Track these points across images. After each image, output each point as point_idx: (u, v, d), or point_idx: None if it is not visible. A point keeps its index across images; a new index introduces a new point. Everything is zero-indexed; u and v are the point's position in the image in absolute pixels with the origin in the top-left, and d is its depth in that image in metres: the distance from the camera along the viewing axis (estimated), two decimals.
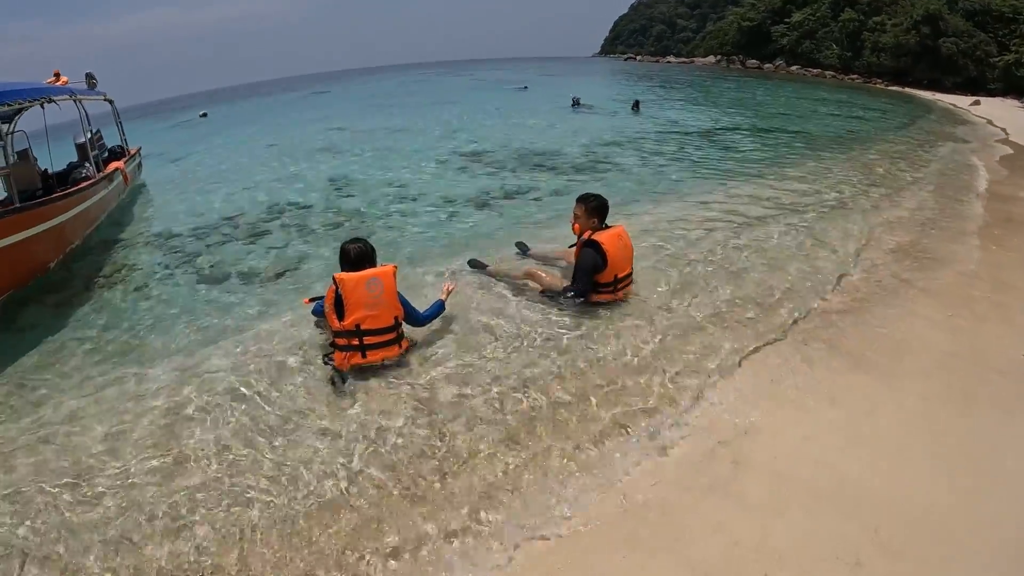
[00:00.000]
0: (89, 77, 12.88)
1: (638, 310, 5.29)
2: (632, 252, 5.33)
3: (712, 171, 11.01)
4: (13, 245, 6.68)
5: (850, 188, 9.38)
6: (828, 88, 31.77)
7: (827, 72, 42.94)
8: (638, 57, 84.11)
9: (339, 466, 3.58)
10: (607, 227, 5.24)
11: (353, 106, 31.91)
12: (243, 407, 4.26)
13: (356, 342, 4.34)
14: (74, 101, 10.58)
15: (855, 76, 40.43)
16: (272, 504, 3.34)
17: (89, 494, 3.52)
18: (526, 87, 31.79)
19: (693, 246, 6.84)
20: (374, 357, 4.42)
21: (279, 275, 7.18)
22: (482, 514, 3.18)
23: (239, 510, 3.31)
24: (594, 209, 5.24)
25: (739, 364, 4.40)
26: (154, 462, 3.75)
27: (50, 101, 9.82)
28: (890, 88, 35.00)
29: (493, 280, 6.11)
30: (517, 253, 6.83)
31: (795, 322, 5.02)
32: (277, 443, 3.84)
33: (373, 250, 4.65)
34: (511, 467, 3.49)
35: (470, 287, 6.01)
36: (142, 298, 6.98)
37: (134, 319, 6.37)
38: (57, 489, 3.57)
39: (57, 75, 11.31)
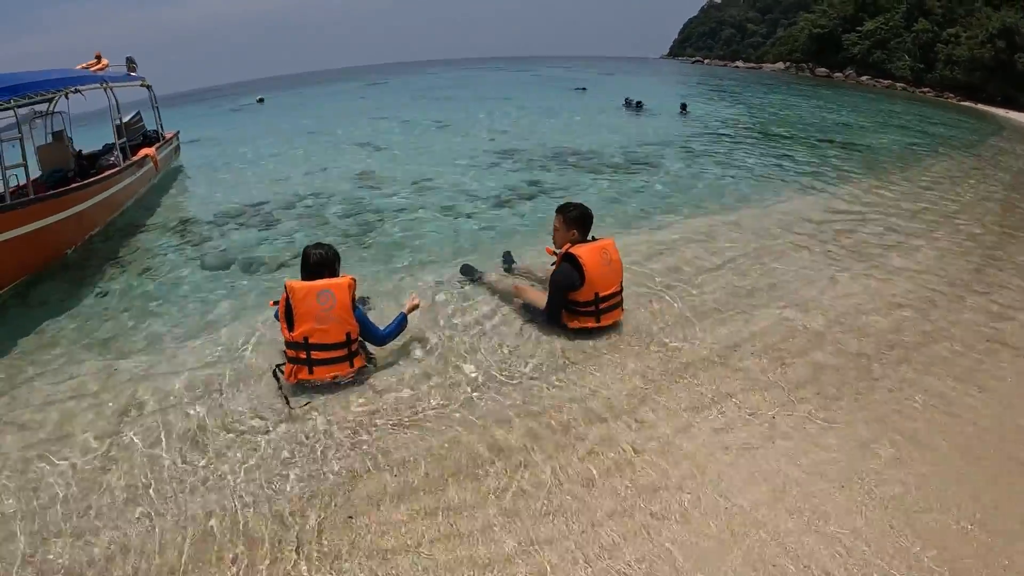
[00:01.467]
0: (129, 61, 13.12)
1: (622, 343, 4.70)
2: (620, 268, 4.73)
3: (755, 181, 10.23)
4: (27, 235, 6.80)
5: (899, 210, 8.43)
6: (897, 100, 29.83)
7: (898, 84, 40.77)
8: (706, 60, 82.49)
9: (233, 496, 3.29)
10: (592, 240, 4.75)
11: (404, 99, 31.91)
12: (188, 411, 4.13)
13: (304, 355, 4.06)
14: (104, 89, 10.65)
15: (926, 89, 38.25)
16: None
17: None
18: (584, 88, 30.99)
19: (710, 267, 6.22)
20: (321, 373, 4.11)
21: (280, 266, 7.08)
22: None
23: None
24: (573, 220, 4.72)
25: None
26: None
27: (75, 91, 9.99)
28: (962, 104, 32.88)
29: (480, 291, 5.77)
30: (503, 266, 6.30)
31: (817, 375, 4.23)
32: (195, 454, 3.66)
33: (335, 257, 4.36)
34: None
35: (454, 300, 5.66)
36: (145, 285, 7.00)
37: (130, 306, 6.38)
38: None
39: (98, 57, 11.51)
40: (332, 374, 4.14)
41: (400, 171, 12.01)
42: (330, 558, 2.83)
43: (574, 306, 4.66)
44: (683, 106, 19.61)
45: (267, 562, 2.83)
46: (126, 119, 12.60)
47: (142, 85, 13.46)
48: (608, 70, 53.65)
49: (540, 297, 4.96)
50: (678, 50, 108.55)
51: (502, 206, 8.90)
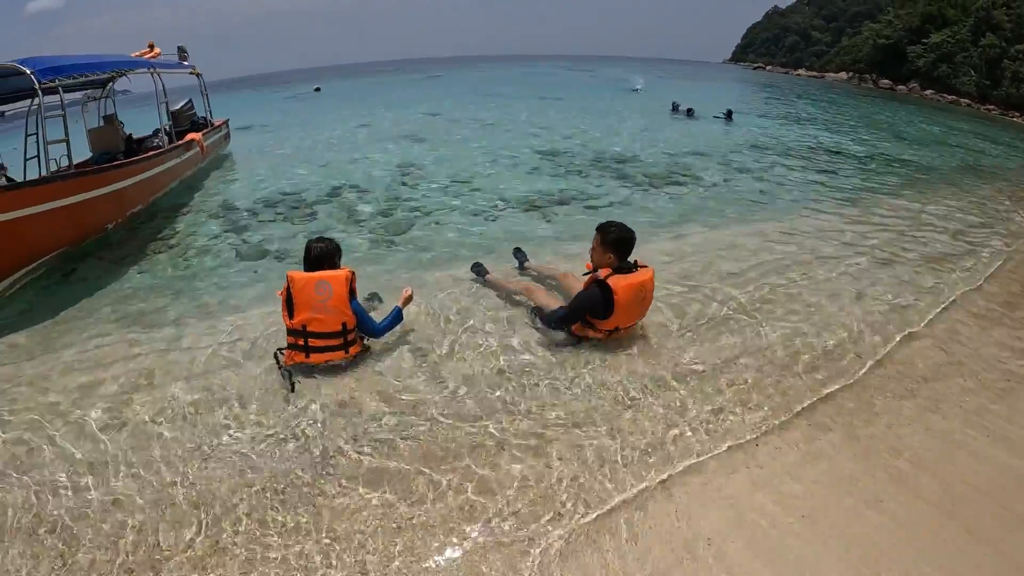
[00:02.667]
0: (180, 51, 13.60)
1: (618, 349, 4.59)
2: (650, 302, 4.57)
3: (792, 193, 9.91)
4: (64, 208, 7.13)
5: (938, 231, 7.94)
6: (960, 117, 28.33)
7: (962, 100, 38.98)
8: (767, 67, 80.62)
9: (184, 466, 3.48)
10: (633, 267, 4.43)
11: (457, 93, 32.21)
12: (194, 391, 4.31)
13: (301, 342, 4.28)
14: (151, 74, 11.08)
15: (991, 107, 36.40)
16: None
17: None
18: (638, 89, 30.61)
19: (728, 277, 6.07)
20: (317, 359, 4.33)
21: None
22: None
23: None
24: (612, 243, 4.38)
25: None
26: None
27: (121, 75, 10.43)
28: None
29: (487, 290, 5.78)
30: (515, 267, 6.28)
31: (814, 403, 4.02)
32: (196, 432, 3.81)
33: (336, 251, 4.52)
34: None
35: (460, 298, 5.69)
36: (178, 266, 7.38)
37: (161, 286, 6.73)
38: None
39: (151, 46, 11.97)
40: (327, 359, 4.34)
41: (438, 167, 12.16)
42: (293, 532, 2.97)
43: (588, 324, 4.53)
44: (728, 113, 19.22)
45: (231, 532, 2.98)
46: (177, 106, 13.14)
47: (192, 73, 13.93)
48: (667, 73, 52.94)
49: (549, 300, 4.89)
50: (740, 55, 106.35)
51: (532, 209, 8.88)
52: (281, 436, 3.70)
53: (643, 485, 3.19)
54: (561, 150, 13.63)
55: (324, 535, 2.95)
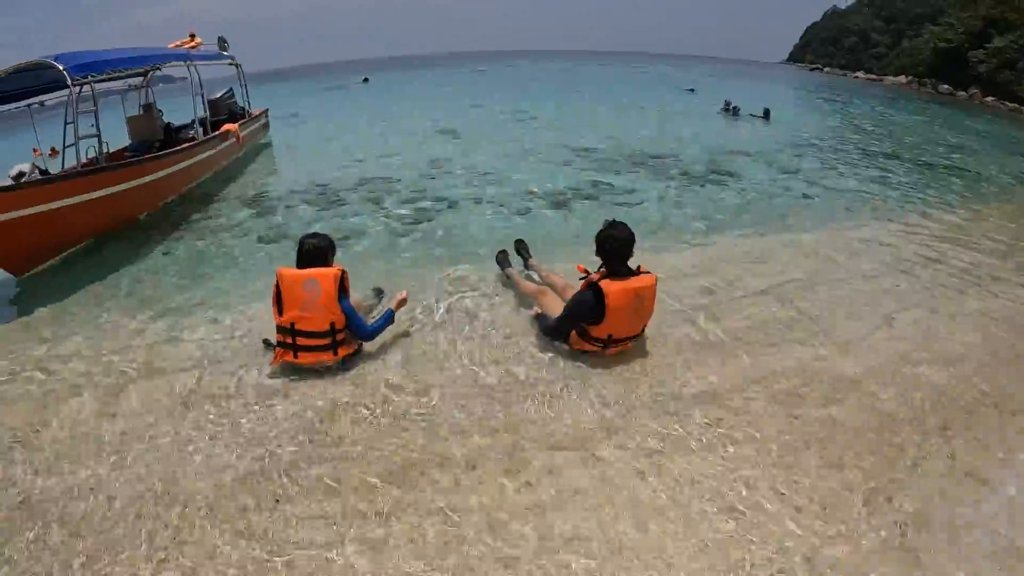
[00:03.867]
0: (221, 41, 13.81)
1: (621, 365, 4.28)
2: (650, 311, 4.22)
3: (836, 200, 9.25)
4: (98, 199, 7.41)
5: (989, 248, 7.10)
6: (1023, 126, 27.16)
7: None
8: (825, 69, 78.23)
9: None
10: (633, 272, 4.11)
11: (503, 87, 32.16)
12: (186, 376, 4.37)
13: (290, 340, 4.15)
14: (187, 66, 11.34)
15: None
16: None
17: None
18: (693, 89, 29.73)
19: (753, 290, 5.64)
20: (305, 359, 4.18)
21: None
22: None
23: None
24: (605, 246, 4.08)
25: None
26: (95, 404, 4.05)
27: (157, 69, 10.72)
28: None
29: (498, 291, 5.63)
30: (519, 265, 5.94)
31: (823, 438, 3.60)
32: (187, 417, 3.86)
33: (328, 248, 4.39)
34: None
35: (466, 300, 5.52)
36: (200, 253, 7.51)
37: (180, 272, 6.87)
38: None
39: (192, 36, 12.16)
40: (315, 360, 4.19)
41: (471, 161, 12.03)
42: (244, 536, 2.87)
43: (583, 333, 4.26)
44: (766, 112, 18.62)
45: (184, 532, 2.92)
46: (217, 94, 13.37)
47: (231, 64, 14.15)
48: (722, 72, 51.68)
49: (555, 306, 4.64)
50: (798, 56, 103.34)
51: (558, 207, 8.65)
52: (256, 434, 3.64)
53: (615, 519, 2.94)
54: (599, 146, 13.30)
55: (277, 538, 2.86)
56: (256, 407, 3.91)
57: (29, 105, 8.75)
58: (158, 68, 11.17)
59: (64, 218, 6.85)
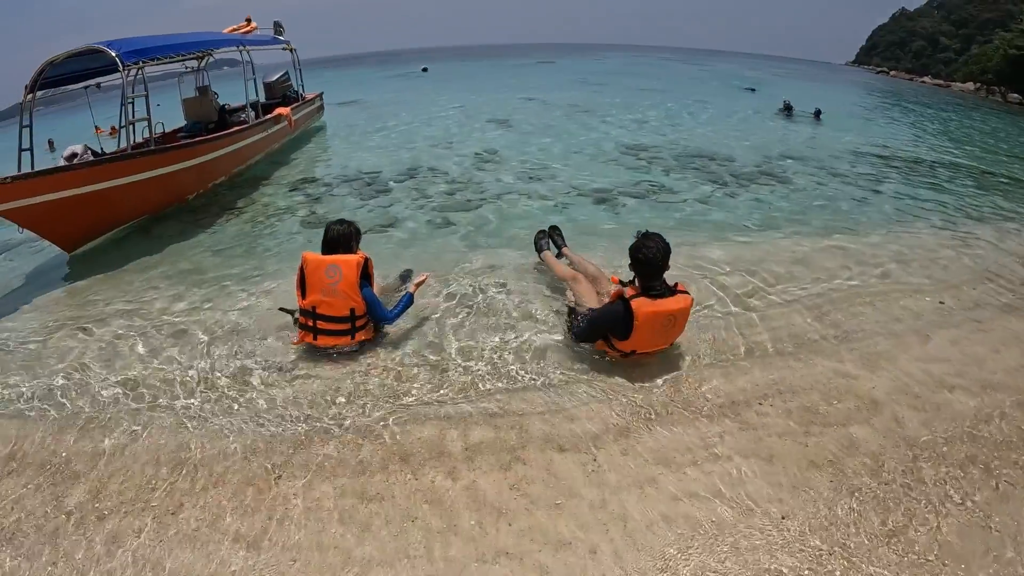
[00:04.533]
0: (276, 26, 14.09)
1: (637, 369, 4.15)
2: (681, 331, 4.10)
3: (887, 208, 8.71)
4: (149, 180, 7.85)
5: None
6: None
7: None
8: (891, 72, 75.50)
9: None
10: (669, 291, 3.91)
11: (562, 80, 31.68)
12: (206, 349, 4.65)
13: (311, 323, 4.28)
14: (239, 51, 11.70)
15: None
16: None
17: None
18: (753, 88, 28.76)
19: (787, 297, 5.38)
20: (324, 342, 4.32)
21: (367, 231, 7.28)
22: None
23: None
24: (638, 262, 3.88)
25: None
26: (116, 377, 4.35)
27: (208, 55, 11.38)
28: None
29: (533, 273, 5.68)
30: (545, 241, 5.83)
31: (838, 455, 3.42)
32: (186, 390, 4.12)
33: (353, 235, 4.47)
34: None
35: (501, 282, 5.60)
36: (243, 234, 7.83)
37: (221, 250, 7.18)
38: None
39: (248, 20, 12.49)
40: (334, 343, 4.33)
41: (520, 153, 11.99)
42: (240, 511, 3.00)
43: (606, 341, 4.14)
44: (816, 112, 18.01)
45: (192, 492, 3.14)
46: (273, 77, 13.71)
47: (285, 48, 14.44)
48: (786, 72, 50.09)
49: (590, 298, 4.51)
50: (864, 58, 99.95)
51: (602, 203, 8.50)
52: (267, 408, 3.85)
53: (606, 528, 2.89)
54: (650, 143, 13.02)
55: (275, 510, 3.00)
56: (268, 383, 4.12)
57: (86, 87, 9.08)
58: (210, 53, 11.48)
59: (113, 198, 7.21)
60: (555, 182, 9.72)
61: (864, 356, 4.37)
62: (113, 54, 7.47)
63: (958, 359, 4.37)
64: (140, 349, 4.70)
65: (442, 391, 3.97)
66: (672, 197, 8.85)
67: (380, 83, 35.07)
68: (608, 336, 4.07)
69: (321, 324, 4.24)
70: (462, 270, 6.01)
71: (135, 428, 3.66)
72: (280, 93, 14.01)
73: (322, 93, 17.02)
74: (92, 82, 9.36)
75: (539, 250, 5.73)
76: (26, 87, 7.84)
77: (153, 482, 3.20)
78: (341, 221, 4.50)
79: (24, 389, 4.17)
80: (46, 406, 3.95)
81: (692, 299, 4.00)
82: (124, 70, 7.61)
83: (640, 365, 4.18)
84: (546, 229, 5.93)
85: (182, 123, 11.38)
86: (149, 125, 8.16)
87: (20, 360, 4.62)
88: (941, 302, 5.39)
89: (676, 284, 3.99)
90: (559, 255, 5.70)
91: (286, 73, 14.63)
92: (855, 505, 2.97)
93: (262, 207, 8.90)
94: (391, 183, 9.91)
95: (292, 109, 12.88)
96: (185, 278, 6.22)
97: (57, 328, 5.18)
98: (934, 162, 12.31)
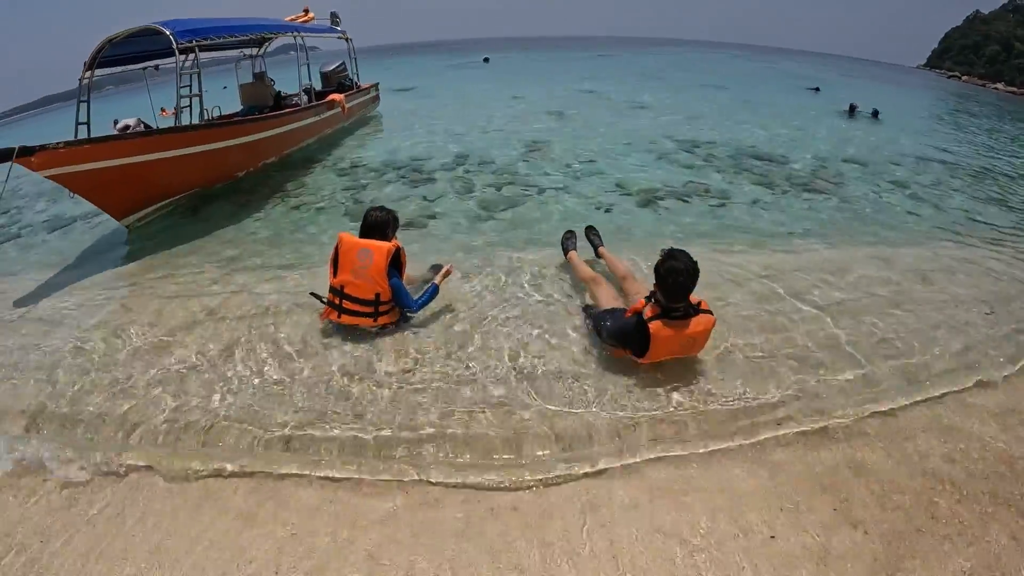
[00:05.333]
0: (333, 16, 14.37)
1: (646, 375, 3.99)
2: (701, 348, 3.99)
3: (944, 218, 8.16)
4: (196, 154, 8.09)
5: None
6: None
7: None
8: (963, 77, 72.41)
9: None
10: (691, 311, 3.76)
11: (621, 74, 31.18)
12: (239, 327, 4.88)
13: (337, 301, 4.47)
14: (294, 38, 12.02)
15: None
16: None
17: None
18: (818, 88, 27.83)
19: (818, 305, 5.08)
20: (347, 320, 4.51)
21: (408, 224, 7.45)
22: None
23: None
24: (662, 281, 3.68)
25: None
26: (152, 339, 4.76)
27: (264, 40, 11.82)
28: None
29: (559, 273, 5.63)
30: (572, 242, 5.86)
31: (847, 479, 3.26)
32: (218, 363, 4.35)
33: (389, 223, 4.63)
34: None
35: (527, 280, 5.57)
36: (287, 217, 8.07)
37: (265, 233, 7.43)
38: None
39: (306, 11, 12.78)
40: (357, 323, 4.51)
41: (570, 147, 11.87)
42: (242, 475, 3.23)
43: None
44: (874, 112, 17.34)
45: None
46: (330, 67, 14.02)
47: (341, 38, 14.72)
48: (852, 72, 48.34)
49: (609, 300, 4.50)
50: (936, 61, 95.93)
51: (646, 204, 8.26)
52: (287, 386, 4.03)
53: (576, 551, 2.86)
54: (704, 141, 12.62)
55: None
56: (290, 358, 4.34)
57: (144, 68, 9.39)
58: (268, 39, 11.75)
59: (162, 170, 7.49)
60: (601, 178, 9.58)
61: (896, 373, 4.11)
62: (168, 33, 7.76)
63: (1000, 383, 4.06)
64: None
65: (450, 382, 4.02)
66: (719, 199, 8.53)
67: (440, 72, 35.40)
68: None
69: (347, 304, 4.44)
70: (492, 263, 6.03)
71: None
72: (336, 82, 14.32)
73: (378, 83, 17.32)
74: (151, 63, 9.65)
75: (565, 251, 5.76)
76: (85, 64, 8.19)
77: None
78: (381, 208, 4.67)
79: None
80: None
81: (715, 319, 3.85)
82: (178, 50, 7.85)
83: (650, 368, 4.04)
84: (574, 230, 5.95)
85: (239, 107, 11.74)
86: (200, 105, 8.41)
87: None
88: (988, 313, 5.05)
89: (700, 303, 3.83)
90: (596, 254, 5.67)
91: (343, 63, 14.97)
92: (858, 538, 2.80)
93: (308, 191, 9.16)
94: (438, 172, 10.00)
95: (346, 97, 13.13)
96: (226, 258, 6.52)
97: (102, 305, 5.51)
98: (999, 173, 11.66)
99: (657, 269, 3.70)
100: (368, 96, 16.09)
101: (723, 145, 12.31)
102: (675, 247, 3.81)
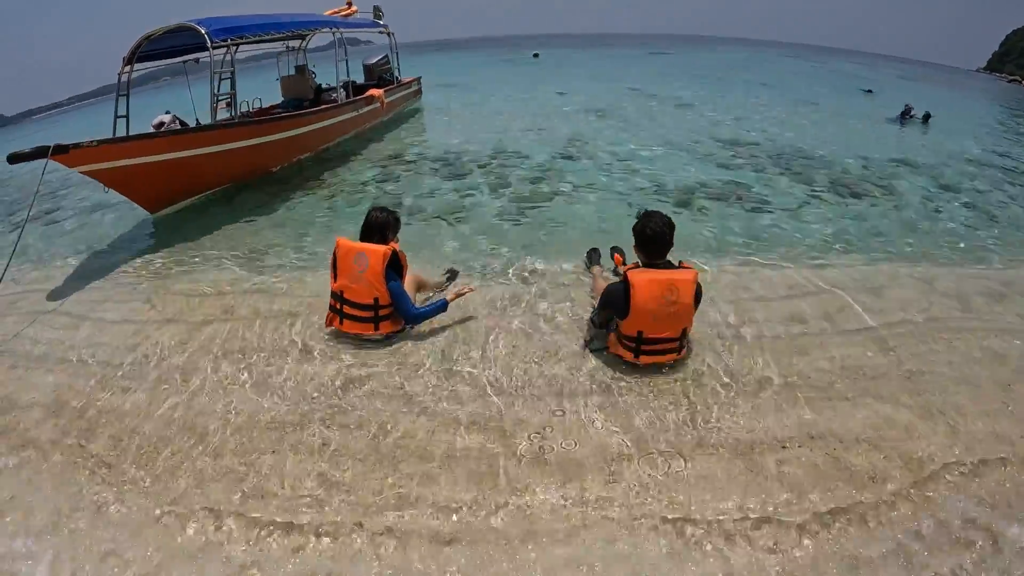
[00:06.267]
0: (376, 10, 14.39)
1: (654, 389, 3.80)
2: (688, 312, 3.80)
3: (1002, 233, 7.38)
4: (234, 150, 8.31)
5: None
6: None
7: None
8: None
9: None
10: (669, 265, 3.88)
11: (672, 73, 30.60)
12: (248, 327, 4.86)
13: (338, 306, 4.39)
14: (331, 33, 12.13)
15: None
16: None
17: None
18: (870, 90, 26.69)
19: (848, 328, 4.66)
20: (348, 327, 4.41)
21: (436, 217, 7.53)
22: None
23: None
24: (638, 236, 3.92)
25: None
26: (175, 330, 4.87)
27: (294, 36, 11.90)
28: None
29: (576, 285, 5.42)
30: (597, 256, 5.73)
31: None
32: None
33: (388, 224, 4.49)
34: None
35: (542, 288, 5.37)
36: (317, 211, 8.13)
37: (291, 226, 7.52)
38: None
39: (349, 4, 12.84)
40: (357, 330, 4.40)
41: (609, 144, 11.62)
42: (220, 475, 3.22)
43: (617, 333, 3.99)
44: (926, 116, 16.39)
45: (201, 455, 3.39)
46: (373, 60, 14.10)
47: (382, 32, 14.75)
48: (908, 74, 46.17)
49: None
50: (996, 65, 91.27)
51: (682, 205, 7.89)
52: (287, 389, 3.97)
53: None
54: (746, 141, 12.11)
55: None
56: (290, 361, 4.29)
57: (185, 61, 9.55)
58: (296, 34, 11.83)
59: (194, 166, 7.73)
60: (639, 177, 9.30)
61: (927, 408, 3.66)
62: (203, 31, 7.89)
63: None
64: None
65: (445, 393, 3.88)
66: (757, 202, 8.09)
67: (487, 67, 35.47)
68: (616, 325, 3.95)
69: (347, 309, 4.34)
70: (510, 267, 5.89)
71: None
72: (378, 75, 14.37)
73: (420, 77, 17.38)
74: (190, 57, 9.84)
75: (588, 266, 5.66)
76: (124, 59, 8.39)
77: None
78: (383, 209, 4.56)
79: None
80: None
81: (697, 273, 3.85)
82: (212, 48, 7.96)
83: (655, 386, 3.83)
84: (598, 248, 5.81)
85: (279, 100, 11.89)
86: (234, 102, 8.53)
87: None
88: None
89: (680, 262, 3.97)
90: (615, 272, 5.52)
91: (386, 57, 15.03)
92: None
93: (339, 186, 9.21)
94: (472, 167, 9.94)
95: (386, 91, 13.16)
96: (251, 252, 6.60)
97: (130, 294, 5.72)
98: None
99: (635, 228, 3.94)
100: (410, 90, 16.15)
101: (769, 144, 11.84)
102: (650, 213, 3.98)
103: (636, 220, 3.97)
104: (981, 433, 3.43)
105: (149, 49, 8.66)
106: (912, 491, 2.99)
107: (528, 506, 2.95)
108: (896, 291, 5.41)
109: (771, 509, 2.89)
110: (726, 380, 3.93)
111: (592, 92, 20.45)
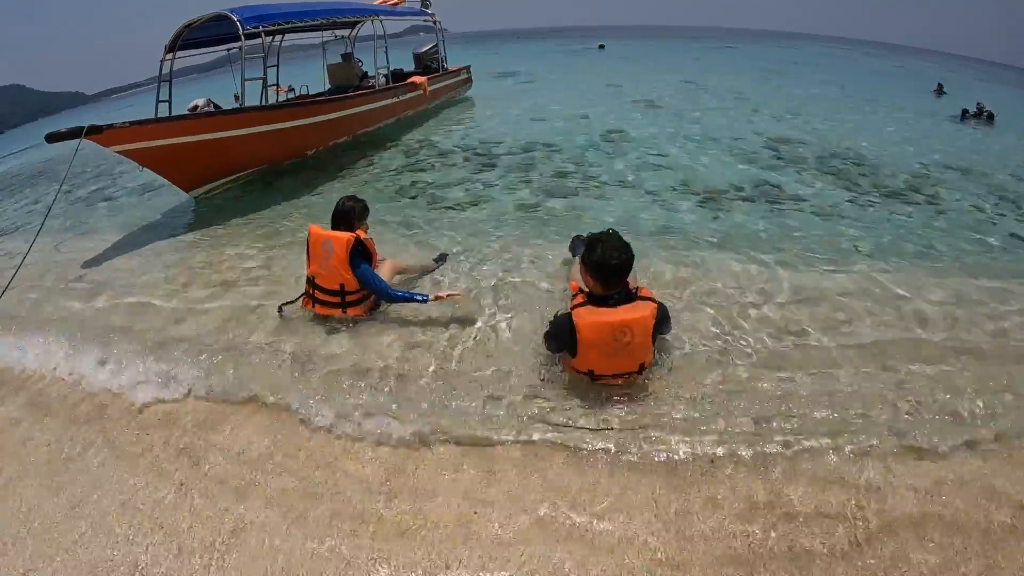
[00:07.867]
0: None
1: (622, 400, 3.49)
2: (644, 349, 3.33)
3: None
4: (265, 133, 8.55)
5: None
6: None
7: None
8: None
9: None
10: (625, 299, 3.33)
11: (733, 67, 29.55)
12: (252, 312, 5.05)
13: (311, 291, 4.56)
14: (371, 22, 12.30)
15: None
16: None
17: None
18: (943, 89, 24.91)
19: (860, 341, 4.21)
20: (320, 311, 4.58)
21: (456, 206, 7.58)
22: None
23: None
24: (589, 264, 3.31)
25: None
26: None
27: (340, 25, 12.17)
28: None
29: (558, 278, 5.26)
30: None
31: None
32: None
33: (355, 213, 4.60)
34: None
35: (530, 279, 5.32)
36: (362, 192, 8.21)
37: (321, 211, 7.49)
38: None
39: None
40: (328, 313, 4.56)
41: (647, 137, 11.33)
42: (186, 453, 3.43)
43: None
44: (990, 115, 15.41)
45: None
46: (423, 48, 14.31)
47: (429, 21, 14.88)
48: (987, 77, 43.25)
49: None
50: None
51: (707, 203, 7.44)
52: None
53: None
54: (793, 139, 11.41)
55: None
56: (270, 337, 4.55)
57: (229, 50, 9.94)
58: (334, 22, 11.96)
59: (225, 148, 7.97)
60: (669, 173, 8.90)
61: (925, 444, 3.20)
62: (235, 19, 8.16)
63: None
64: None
65: (392, 384, 3.90)
66: (791, 205, 7.53)
67: (548, 58, 35.28)
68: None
69: (318, 294, 4.53)
70: (509, 261, 5.80)
71: None
72: (425, 64, 14.60)
73: (469, 66, 17.44)
74: (235, 46, 10.17)
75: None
76: (165, 47, 8.77)
77: None
78: (351, 197, 4.70)
79: None
80: None
81: (655, 306, 3.30)
82: (244, 35, 8.23)
83: (623, 400, 3.50)
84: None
85: (326, 87, 12.25)
86: (264, 88, 8.81)
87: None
88: None
89: (638, 288, 3.41)
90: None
91: (435, 46, 15.18)
92: None
93: (370, 172, 9.37)
94: (503, 158, 9.90)
95: (429, 80, 13.31)
96: (269, 234, 6.89)
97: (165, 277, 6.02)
98: None
99: (589, 257, 3.31)
100: (457, 79, 16.25)
101: (813, 144, 11.10)
102: (606, 234, 3.40)
103: (592, 247, 3.34)
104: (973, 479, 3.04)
105: (191, 37, 9.00)
106: None
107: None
108: (919, 303, 4.87)
109: None
110: (695, 391, 3.63)
111: (648, 85, 19.84)
